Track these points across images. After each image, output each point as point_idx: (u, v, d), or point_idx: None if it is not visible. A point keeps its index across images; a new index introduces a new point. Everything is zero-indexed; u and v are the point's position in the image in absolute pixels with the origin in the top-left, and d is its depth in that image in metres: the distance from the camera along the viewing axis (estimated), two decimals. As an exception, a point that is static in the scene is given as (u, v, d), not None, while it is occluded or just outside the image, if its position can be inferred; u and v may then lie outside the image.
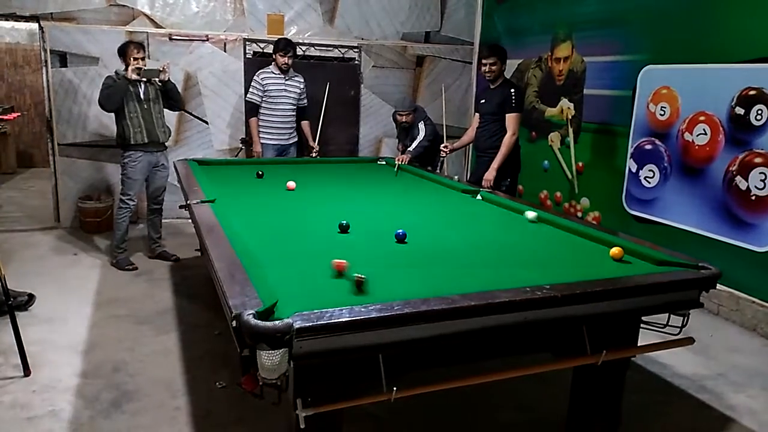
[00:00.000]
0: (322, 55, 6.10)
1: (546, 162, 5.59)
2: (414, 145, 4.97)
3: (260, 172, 4.08)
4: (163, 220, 4.86)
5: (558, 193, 5.46)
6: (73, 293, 4.01)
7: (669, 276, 2.12)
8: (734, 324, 3.87)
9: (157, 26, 5.64)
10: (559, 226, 2.83)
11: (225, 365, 3.07)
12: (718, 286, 2.28)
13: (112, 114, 4.47)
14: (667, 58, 4.24)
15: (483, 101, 4.56)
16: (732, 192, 3.79)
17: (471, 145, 5.06)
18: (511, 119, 4.32)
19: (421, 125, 5.05)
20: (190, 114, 5.82)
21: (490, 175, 4.29)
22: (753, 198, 3.66)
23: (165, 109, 4.63)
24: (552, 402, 2.70)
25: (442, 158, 5.06)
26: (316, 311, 1.62)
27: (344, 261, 2.05)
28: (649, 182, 4.43)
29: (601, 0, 4.88)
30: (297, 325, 1.55)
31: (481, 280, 2.01)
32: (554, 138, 5.49)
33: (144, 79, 4.38)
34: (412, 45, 6.44)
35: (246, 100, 5.28)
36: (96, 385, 2.87)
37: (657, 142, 4.35)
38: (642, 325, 2.18)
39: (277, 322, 1.55)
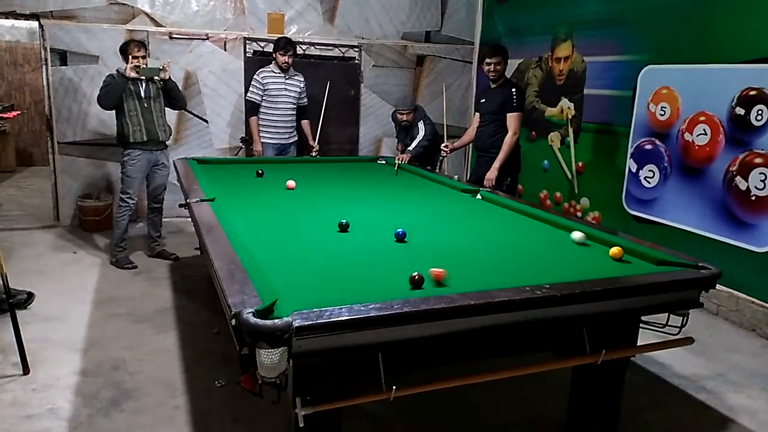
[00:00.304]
0: (323, 54, 6.10)
1: (546, 162, 5.59)
2: (414, 144, 4.97)
3: (260, 171, 4.08)
4: (163, 219, 4.86)
5: (558, 193, 5.46)
6: (72, 292, 4.01)
7: (669, 276, 2.12)
8: (733, 324, 3.87)
9: (158, 25, 5.64)
10: (559, 226, 2.83)
11: (224, 364, 3.07)
12: (718, 287, 2.27)
13: (112, 112, 4.47)
14: (668, 58, 4.24)
15: (483, 101, 4.56)
16: (732, 192, 3.79)
17: (471, 144, 5.06)
18: (512, 119, 4.32)
19: (421, 124, 5.05)
20: (190, 113, 5.82)
21: (491, 174, 4.29)
22: (753, 198, 3.66)
23: (167, 108, 4.63)
24: (551, 401, 2.70)
25: (442, 158, 5.06)
26: (315, 310, 1.62)
27: (443, 270, 1.97)
28: (649, 182, 4.43)
29: (601, 0, 4.87)
30: (296, 323, 1.55)
31: (480, 280, 2.01)
32: (554, 138, 5.48)
33: (143, 78, 4.38)
34: (413, 44, 6.43)
35: (246, 99, 5.28)
36: (95, 383, 2.86)
37: (657, 142, 4.35)
38: (641, 325, 2.18)
39: (276, 320, 1.55)
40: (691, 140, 4.07)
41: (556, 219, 2.91)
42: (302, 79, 5.23)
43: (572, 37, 5.21)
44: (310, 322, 1.57)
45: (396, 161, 4.68)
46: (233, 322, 1.59)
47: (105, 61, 5.44)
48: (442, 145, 4.81)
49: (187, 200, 3.10)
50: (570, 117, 5.27)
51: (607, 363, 2.08)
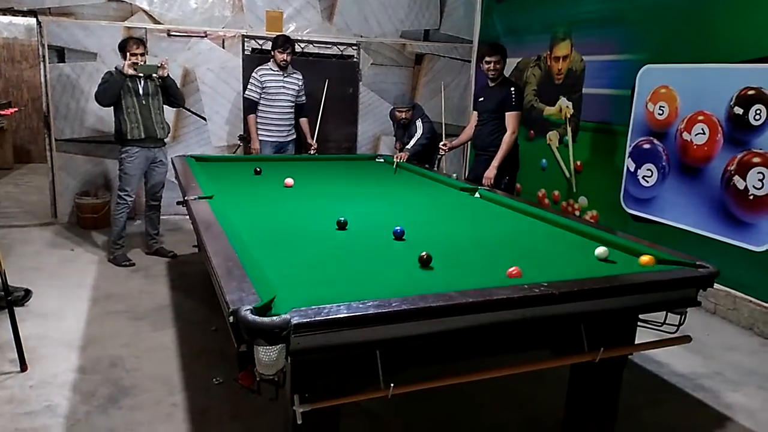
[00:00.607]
0: (321, 52, 6.10)
1: (544, 161, 5.59)
2: (412, 142, 4.97)
3: (258, 169, 4.07)
4: (161, 216, 4.85)
5: (556, 192, 5.47)
6: (70, 289, 4.00)
7: (666, 274, 2.12)
8: (731, 323, 3.88)
9: (156, 22, 5.62)
10: (557, 224, 2.83)
11: (222, 361, 3.06)
12: (716, 285, 2.27)
13: (110, 109, 4.46)
14: (666, 58, 4.25)
15: (482, 99, 4.56)
16: (730, 191, 3.80)
17: (469, 143, 5.06)
18: (510, 118, 4.32)
19: (419, 123, 5.05)
20: (189, 110, 5.80)
21: (490, 173, 4.30)
22: (751, 197, 3.67)
23: (165, 106, 4.62)
24: (549, 399, 2.70)
25: (440, 156, 5.06)
26: (313, 307, 1.62)
27: (517, 271, 2.04)
28: (648, 181, 4.43)
29: (600, -1, 4.88)
30: (294, 320, 1.55)
31: (478, 277, 2.02)
32: (553, 137, 5.49)
33: (141, 75, 4.37)
34: (411, 43, 6.43)
35: (244, 97, 5.27)
36: (92, 380, 2.86)
37: (655, 141, 4.35)
38: (639, 324, 2.18)
39: (274, 317, 1.55)
40: (689, 139, 4.07)
41: (554, 217, 2.91)
42: (300, 77, 5.23)
43: (571, 36, 5.21)
44: (308, 320, 1.57)
45: (394, 159, 4.68)
46: (231, 319, 1.59)
47: (103, 58, 5.43)
48: (440, 143, 4.81)
49: (185, 198, 3.09)
50: (568, 116, 5.27)
51: (605, 361, 2.08)
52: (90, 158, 5.65)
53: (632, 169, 4.56)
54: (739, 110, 3.72)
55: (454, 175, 4.41)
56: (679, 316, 2.15)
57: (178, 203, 3.36)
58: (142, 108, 4.41)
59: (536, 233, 2.75)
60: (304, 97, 5.30)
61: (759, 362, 3.36)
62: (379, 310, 1.65)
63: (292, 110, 5.22)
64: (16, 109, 7.70)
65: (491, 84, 4.46)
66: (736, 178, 3.74)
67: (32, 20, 5.39)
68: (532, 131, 5.73)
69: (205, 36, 5.77)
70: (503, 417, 2.70)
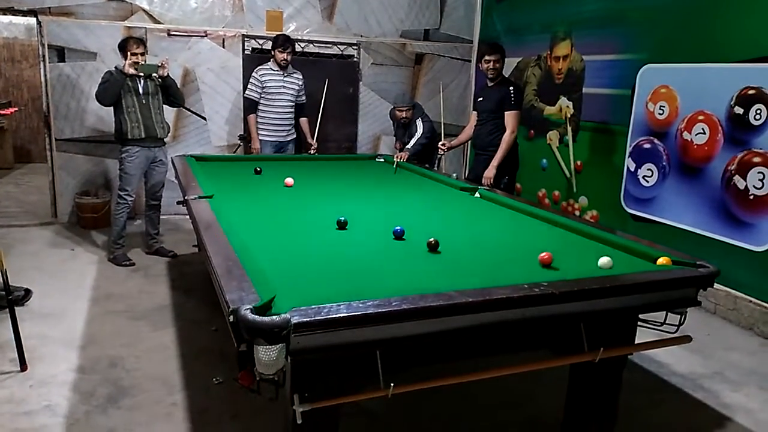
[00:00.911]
0: (321, 52, 6.09)
1: (544, 160, 5.59)
2: (412, 142, 4.97)
3: (258, 169, 4.07)
4: (161, 216, 4.85)
5: (556, 192, 5.47)
6: (69, 289, 4.00)
7: (667, 274, 2.12)
8: (731, 323, 3.88)
9: (156, 22, 5.62)
10: (557, 224, 2.83)
11: (222, 361, 3.06)
12: (716, 285, 2.27)
13: (110, 109, 4.47)
14: (667, 57, 4.24)
15: (481, 99, 4.56)
16: (730, 191, 3.79)
17: (469, 143, 5.05)
18: (510, 117, 4.32)
19: (419, 122, 5.06)
20: (189, 110, 5.80)
21: (490, 172, 4.30)
22: (751, 197, 3.66)
23: (165, 105, 4.62)
24: (549, 399, 2.70)
25: (439, 156, 5.05)
26: (313, 306, 1.62)
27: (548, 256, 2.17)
28: (648, 181, 4.43)
29: (600, -2, 4.88)
30: (294, 320, 1.55)
31: (478, 277, 2.01)
32: (553, 136, 5.48)
33: (141, 74, 4.37)
34: (411, 42, 6.43)
35: (244, 97, 5.27)
36: (92, 380, 2.86)
37: (656, 141, 4.35)
38: (639, 323, 2.18)
39: (274, 317, 1.55)
40: (689, 139, 4.07)
41: (555, 217, 2.91)
42: (301, 77, 5.22)
43: (571, 35, 5.21)
44: (308, 319, 1.56)
45: (394, 159, 4.67)
46: (231, 318, 1.58)
47: (103, 57, 5.43)
48: (440, 143, 4.81)
49: (185, 197, 3.09)
50: (569, 116, 5.27)
51: (605, 361, 2.08)
52: (90, 158, 5.65)
53: (632, 169, 4.56)
54: (739, 110, 3.72)
55: (454, 174, 4.41)
56: (679, 316, 2.15)
57: (178, 203, 3.36)
58: (143, 107, 4.41)
59: (536, 233, 2.75)
60: (304, 97, 5.29)
61: (759, 362, 3.36)
62: (379, 310, 1.64)
63: (292, 110, 5.22)
64: (16, 109, 7.70)
65: (490, 84, 4.46)
66: (737, 177, 3.74)
67: (32, 20, 5.38)
68: (532, 131, 5.73)
69: (205, 35, 5.77)
70: (503, 417, 2.70)
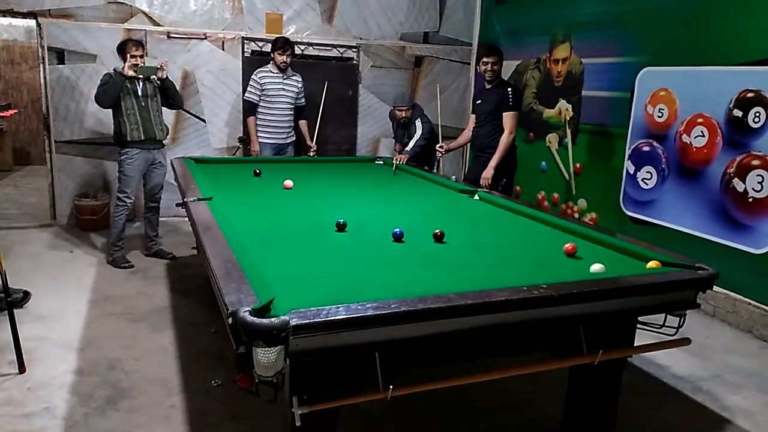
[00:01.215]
0: (321, 54, 6.10)
1: (544, 163, 5.59)
2: (411, 144, 4.98)
3: (257, 171, 4.07)
4: (160, 218, 4.85)
5: (555, 194, 5.47)
6: (68, 291, 4.00)
7: (666, 276, 2.12)
8: (730, 326, 3.88)
9: (156, 24, 5.63)
10: (556, 227, 2.83)
11: (221, 363, 3.06)
12: (715, 288, 2.27)
13: (110, 111, 4.46)
14: (666, 60, 4.25)
15: (479, 102, 4.57)
16: (729, 194, 3.80)
17: (468, 145, 5.06)
18: (508, 118, 4.32)
19: (418, 123, 5.06)
20: (188, 112, 5.81)
21: (488, 173, 4.30)
22: (750, 200, 3.67)
23: (164, 108, 4.62)
24: (548, 402, 2.70)
25: (437, 159, 5.06)
26: (312, 309, 1.62)
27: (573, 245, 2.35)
28: (647, 184, 4.43)
29: (599, 2, 4.88)
30: (293, 322, 1.54)
31: (478, 279, 2.01)
32: (552, 139, 5.49)
33: (141, 77, 4.38)
34: (411, 45, 6.43)
35: (244, 99, 5.27)
36: (91, 382, 2.85)
37: (655, 143, 4.36)
38: (638, 326, 2.18)
39: (273, 319, 1.55)
40: (688, 142, 4.07)
41: (554, 220, 2.91)
42: (300, 79, 5.23)
43: (570, 38, 5.22)
44: (307, 321, 1.56)
45: (393, 161, 4.68)
46: (230, 320, 1.58)
47: (102, 59, 5.43)
48: (437, 146, 4.80)
49: (185, 199, 3.09)
50: (568, 118, 5.27)
51: (604, 363, 2.07)
52: (89, 160, 5.65)
53: (632, 172, 4.56)
54: (738, 113, 3.72)
55: (453, 177, 4.42)
56: (678, 319, 2.14)
57: (177, 205, 3.35)
58: (141, 110, 4.41)
59: (535, 235, 2.75)
60: (303, 99, 5.30)
61: (758, 365, 3.36)
62: (378, 312, 1.64)
63: (292, 112, 5.22)
64: (15, 111, 7.71)
65: (488, 86, 4.46)
66: (736, 180, 3.74)
67: (32, 22, 5.39)
68: (531, 134, 5.73)
69: (205, 38, 5.77)
70: (502, 419, 2.70)
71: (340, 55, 6.15)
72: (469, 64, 6.64)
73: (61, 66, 5.41)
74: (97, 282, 4.19)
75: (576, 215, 5.14)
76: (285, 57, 5.02)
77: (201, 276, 4.13)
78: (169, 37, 5.66)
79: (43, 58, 5.36)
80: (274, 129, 5.15)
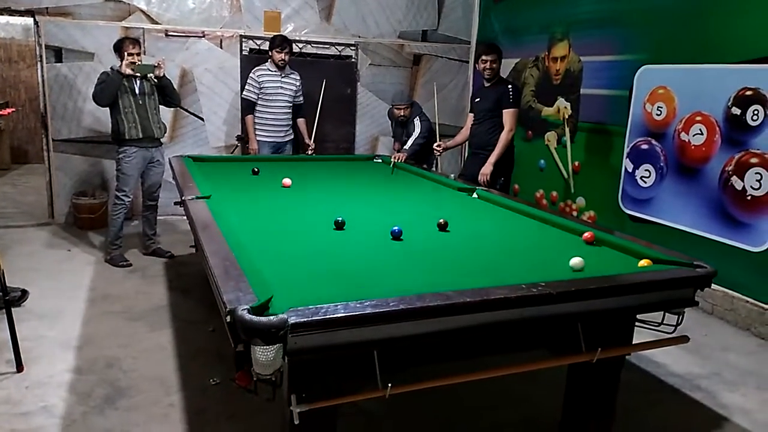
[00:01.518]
0: (319, 52, 6.09)
1: (542, 161, 5.59)
2: (410, 142, 4.97)
3: (256, 169, 4.07)
4: (158, 217, 4.84)
5: (554, 193, 5.47)
6: (66, 289, 3.99)
7: (664, 274, 2.12)
8: (728, 323, 3.88)
9: (153, 22, 5.62)
10: (555, 225, 2.83)
11: (219, 362, 3.06)
12: (713, 286, 2.28)
13: (107, 109, 4.46)
14: (664, 58, 4.25)
15: (478, 100, 4.57)
16: (728, 192, 3.80)
17: (466, 143, 5.06)
18: (508, 115, 4.32)
19: (417, 121, 5.06)
20: (186, 110, 5.80)
21: (486, 169, 4.30)
22: (749, 198, 3.67)
23: (161, 106, 4.62)
24: (546, 400, 2.70)
25: (435, 157, 5.05)
26: (311, 307, 1.61)
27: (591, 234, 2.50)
28: (645, 182, 4.44)
29: (598, 0, 4.88)
30: (292, 320, 1.54)
31: (476, 277, 2.01)
32: (551, 137, 5.49)
33: (138, 75, 4.37)
34: (409, 43, 6.43)
35: (242, 98, 5.26)
36: (89, 381, 2.85)
37: (653, 141, 4.36)
38: (637, 324, 2.18)
39: (271, 317, 1.54)
40: (687, 140, 4.07)
41: (552, 218, 2.91)
42: (298, 78, 5.22)
43: (569, 36, 5.22)
44: (305, 319, 1.56)
45: (392, 160, 4.67)
46: (228, 318, 1.58)
47: (100, 58, 5.42)
48: (435, 144, 4.79)
49: (183, 198, 3.09)
50: (566, 116, 5.27)
51: (603, 361, 2.08)
52: (87, 158, 5.64)
53: (630, 170, 4.57)
54: (736, 111, 3.72)
55: (452, 175, 4.41)
56: (676, 317, 2.15)
57: (176, 203, 3.35)
58: (139, 108, 4.41)
59: (534, 233, 2.75)
60: (301, 98, 5.29)
61: (756, 363, 3.36)
62: (377, 310, 1.64)
63: (290, 110, 5.21)
64: (13, 110, 7.64)
65: (487, 84, 4.46)
66: (734, 178, 3.74)
67: (29, 20, 5.37)
68: (530, 132, 5.73)
69: (203, 36, 5.76)
70: (501, 417, 2.70)
71: (338, 53, 6.15)
72: (468, 62, 6.64)
73: (59, 64, 5.40)
74: (95, 280, 4.19)
75: (574, 213, 5.14)
76: (283, 55, 5.01)
77: (199, 274, 4.13)
78: (167, 35, 5.65)
79: (41, 57, 5.34)
80: (273, 127, 5.14)
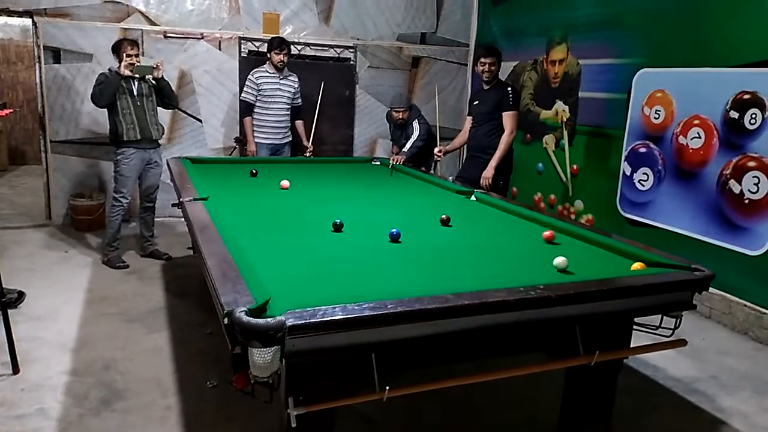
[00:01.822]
0: (318, 54, 6.09)
1: (540, 164, 5.60)
2: (408, 145, 4.97)
3: (254, 171, 4.06)
4: (155, 219, 4.83)
5: (552, 196, 5.47)
6: (63, 291, 3.98)
7: (662, 277, 2.12)
8: (726, 327, 3.89)
9: (152, 24, 5.62)
10: (553, 228, 2.82)
11: (216, 364, 3.05)
12: (711, 290, 2.28)
13: (105, 111, 4.45)
14: (662, 62, 4.26)
15: (476, 103, 4.57)
16: (726, 196, 3.80)
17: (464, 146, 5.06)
18: (508, 117, 4.32)
19: (416, 124, 5.06)
20: (184, 112, 5.80)
21: (488, 173, 4.29)
22: (746, 202, 3.67)
23: (159, 107, 4.61)
24: (544, 403, 2.69)
25: (436, 161, 5.05)
26: (308, 309, 1.61)
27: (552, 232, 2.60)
28: (643, 185, 4.44)
29: (596, 3, 4.89)
30: (289, 322, 1.54)
31: (474, 280, 2.01)
32: (549, 140, 5.49)
33: (137, 76, 4.36)
34: (408, 46, 6.44)
35: (240, 99, 5.26)
36: (86, 383, 2.84)
37: (651, 145, 4.36)
38: (635, 327, 2.18)
39: (269, 319, 1.54)
40: (685, 143, 4.08)
41: (551, 221, 2.91)
42: (296, 80, 5.22)
43: (567, 39, 5.23)
44: (303, 321, 1.56)
45: (390, 162, 4.67)
46: (226, 320, 1.57)
47: (99, 59, 5.41)
48: (436, 149, 4.77)
49: (180, 199, 3.08)
50: (565, 120, 5.28)
51: (601, 364, 2.07)
52: (85, 160, 5.63)
53: (628, 173, 4.57)
54: (734, 114, 3.73)
55: (450, 177, 4.41)
56: (674, 320, 2.14)
57: (173, 205, 3.34)
58: (137, 109, 4.40)
59: (532, 236, 2.75)
60: (299, 100, 5.29)
61: (754, 366, 3.36)
62: (375, 313, 1.64)
63: (288, 113, 5.21)
64: (11, 110, 7.64)
65: (486, 87, 4.46)
66: (732, 182, 3.75)
67: (28, 21, 5.36)
68: (528, 135, 5.74)
69: (202, 38, 5.76)
70: (498, 420, 2.70)
71: (337, 55, 6.15)
72: (467, 65, 6.65)
73: (57, 65, 5.40)
74: (92, 282, 4.18)
75: (572, 217, 5.15)
76: (282, 57, 5.01)
77: (197, 276, 4.12)
78: (165, 36, 5.65)
79: (39, 58, 5.34)
80: (271, 129, 5.14)
